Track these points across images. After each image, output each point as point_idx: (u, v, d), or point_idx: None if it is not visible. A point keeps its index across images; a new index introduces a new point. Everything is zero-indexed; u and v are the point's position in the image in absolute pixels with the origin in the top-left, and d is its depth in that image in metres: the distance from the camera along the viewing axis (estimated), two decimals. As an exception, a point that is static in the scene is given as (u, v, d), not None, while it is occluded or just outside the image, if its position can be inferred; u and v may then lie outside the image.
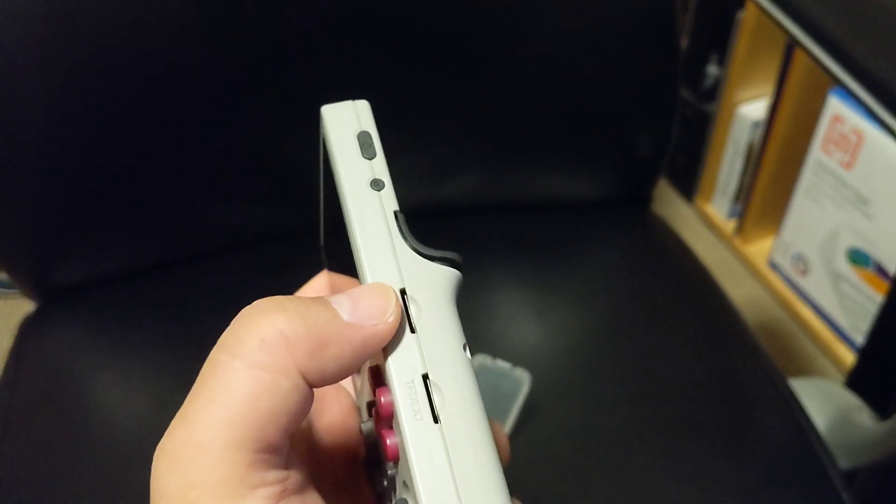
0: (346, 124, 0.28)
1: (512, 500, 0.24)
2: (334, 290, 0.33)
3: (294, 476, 0.24)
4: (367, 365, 0.27)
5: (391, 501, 0.26)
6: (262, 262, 0.69)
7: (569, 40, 0.65)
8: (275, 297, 0.25)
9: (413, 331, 0.25)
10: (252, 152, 0.65)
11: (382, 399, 0.24)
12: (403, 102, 0.66)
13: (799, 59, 1.11)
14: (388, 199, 0.27)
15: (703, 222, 1.40)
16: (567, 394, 0.61)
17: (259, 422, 0.23)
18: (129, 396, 0.62)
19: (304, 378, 0.24)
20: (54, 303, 0.68)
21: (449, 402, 0.24)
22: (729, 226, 1.35)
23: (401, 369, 0.24)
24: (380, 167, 0.27)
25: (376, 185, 0.27)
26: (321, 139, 0.29)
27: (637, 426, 0.59)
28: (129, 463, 0.57)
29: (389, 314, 0.25)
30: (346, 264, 0.30)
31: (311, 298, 0.25)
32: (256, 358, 0.23)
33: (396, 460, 0.24)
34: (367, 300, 0.25)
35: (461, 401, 0.24)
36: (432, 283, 0.26)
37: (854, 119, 1.06)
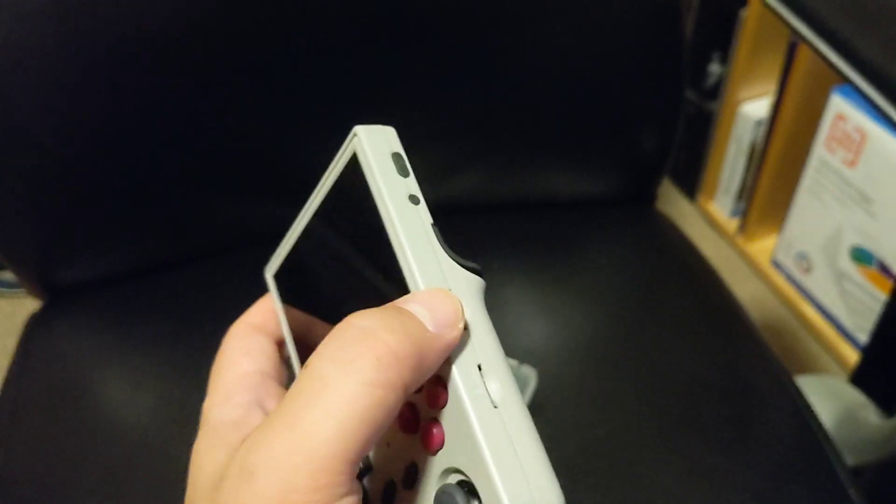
0: (381, 144, 0.30)
1: None
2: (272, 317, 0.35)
3: (358, 485, 0.26)
4: None
5: (411, 489, 0.27)
6: (267, 261, 0.68)
7: (574, 38, 0.65)
8: (371, 312, 0.26)
9: (465, 327, 0.27)
10: (257, 152, 0.65)
11: (439, 389, 0.26)
12: (408, 101, 0.66)
13: (802, 57, 1.11)
14: (425, 213, 0.29)
15: (705, 221, 1.40)
16: (573, 391, 0.61)
17: (369, 435, 0.25)
18: (135, 394, 0.62)
19: (406, 392, 0.26)
20: (60, 301, 0.68)
21: (502, 389, 0.26)
22: (732, 224, 1.35)
23: (460, 360, 0.26)
24: (413, 185, 0.30)
25: (414, 200, 0.29)
26: (344, 156, 0.31)
27: (643, 423, 0.59)
28: (134, 460, 0.57)
29: (460, 320, 0.27)
30: (298, 295, 0.33)
31: (402, 311, 0.27)
32: (371, 376, 0.25)
33: (436, 451, 0.26)
34: (443, 309, 0.27)
35: (510, 388, 0.26)
36: (470, 288, 0.28)
37: (857, 117, 1.06)
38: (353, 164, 0.30)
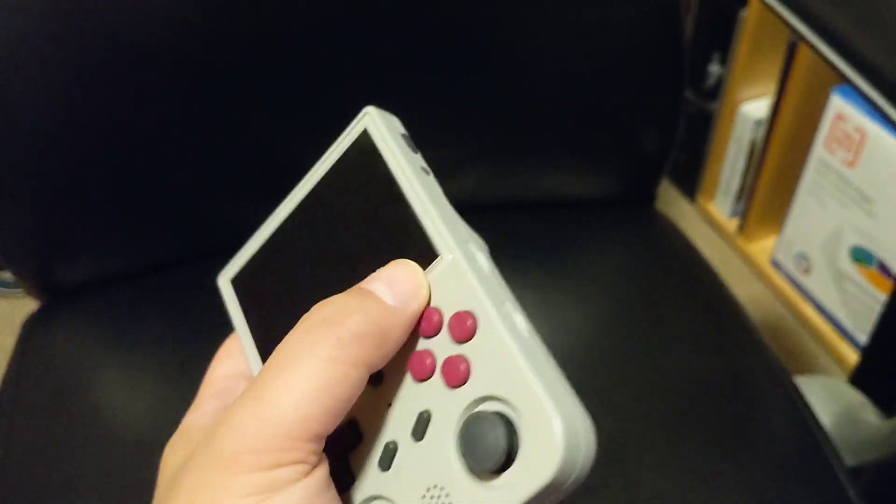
0: (390, 126, 0.33)
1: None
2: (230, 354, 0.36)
3: (323, 459, 0.28)
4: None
5: (420, 440, 0.28)
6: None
7: (573, 38, 0.65)
8: (335, 299, 0.29)
9: (485, 272, 0.29)
10: (257, 152, 0.65)
11: (467, 321, 0.28)
12: (408, 100, 0.66)
13: (801, 57, 1.11)
14: (436, 183, 0.32)
15: (705, 221, 1.40)
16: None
17: (329, 407, 0.27)
18: (133, 394, 0.62)
19: (369, 369, 0.28)
20: (58, 301, 0.68)
21: (526, 324, 0.28)
22: (731, 225, 1.35)
23: (491, 295, 0.28)
24: (421, 160, 0.32)
25: (426, 171, 0.32)
26: (351, 134, 0.33)
27: (643, 424, 0.59)
28: (133, 460, 0.57)
29: (423, 287, 0.29)
30: (270, 294, 0.34)
31: (362, 293, 0.29)
32: (332, 353, 0.27)
33: (459, 386, 0.27)
34: (404, 281, 0.29)
35: (527, 322, 0.28)
36: (481, 244, 0.31)
37: (857, 117, 1.06)
38: (364, 141, 0.33)
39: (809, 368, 1.21)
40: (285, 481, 0.26)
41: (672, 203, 1.43)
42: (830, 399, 0.97)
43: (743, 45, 1.20)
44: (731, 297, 0.68)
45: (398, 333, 0.29)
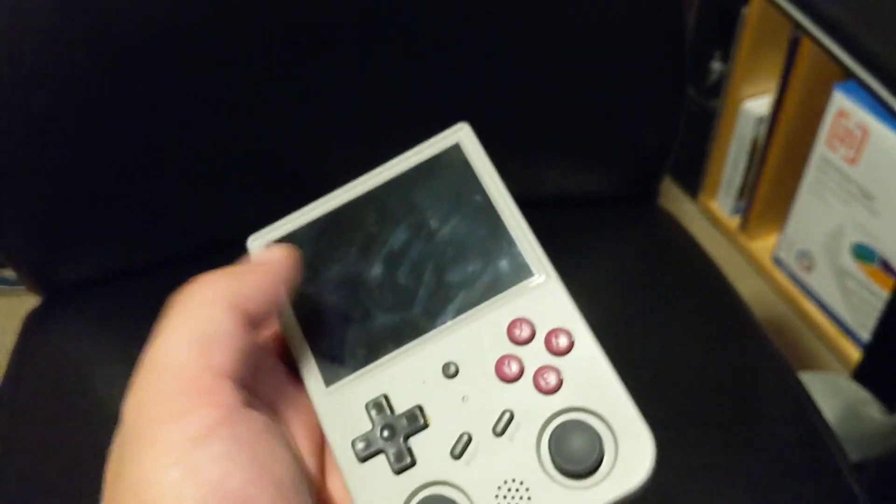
0: (479, 145, 0.35)
1: None
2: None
3: (245, 412, 0.28)
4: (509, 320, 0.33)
5: (501, 436, 0.30)
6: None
7: (575, 35, 0.65)
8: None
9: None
10: (257, 149, 0.65)
11: (563, 337, 0.31)
12: (409, 99, 0.66)
13: (803, 54, 1.11)
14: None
15: (706, 219, 1.40)
16: (576, 387, 0.60)
17: (205, 350, 0.28)
18: (136, 391, 0.61)
19: (230, 312, 0.29)
20: (59, 298, 0.68)
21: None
22: (733, 222, 1.35)
23: (581, 316, 0.32)
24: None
25: (508, 189, 0.35)
26: (441, 143, 0.35)
27: (647, 419, 0.59)
28: (135, 458, 0.56)
29: (288, 258, 0.32)
30: (314, 267, 0.35)
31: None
32: (187, 305, 0.30)
33: (549, 394, 0.31)
34: (266, 253, 0.32)
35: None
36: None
37: (859, 114, 1.06)
38: (454, 153, 0.35)
39: (811, 365, 1.21)
40: (199, 432, 0.26)
41: (673, 201, 1.43)
42: (834, 395, 0.97)
43: (745, 42, 1.19)
44: (735, 294, 0.68)
45: (249, 282, 0.30)
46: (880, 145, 1.05)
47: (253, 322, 0.30)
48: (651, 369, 0.62)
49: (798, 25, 0.57)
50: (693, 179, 1.40)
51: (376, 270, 0.34)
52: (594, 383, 0.30)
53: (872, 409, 0.94)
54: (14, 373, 0.63)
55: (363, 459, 0.31)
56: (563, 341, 0.31)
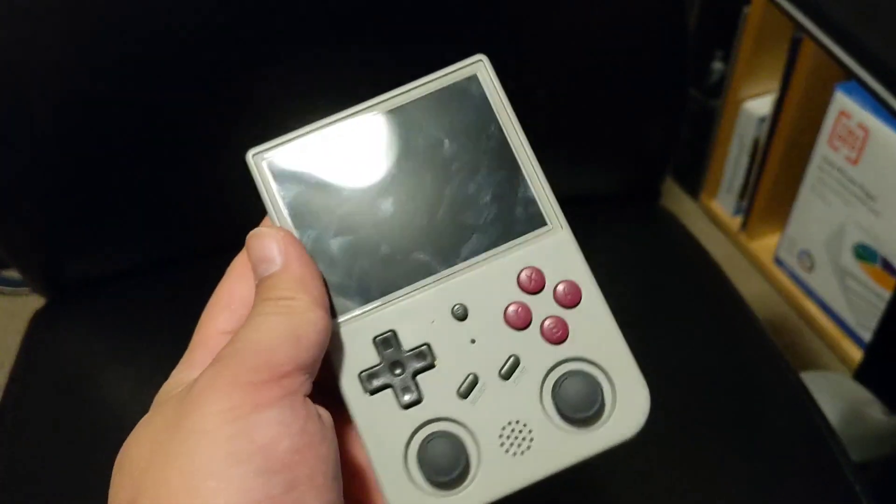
0: (496, 80, 0.35)
1: None
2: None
3: (306, 390, 0.30)
4: (518, 271, 0.33)
5: (508, 379, 0.32)
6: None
7: (577, 35, 0.65)
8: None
9: (579, 244, 0.33)
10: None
11: (574, 290, 0.32)
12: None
13: (805, 54, 1.11)
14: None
15: (708, 219, 1.40)
16: (579, 387, 0.61)
17: (296, 345, 0.30)
18: (140, 390, 0.62)
19: (319, 308, 0.31)
20: (64, 298, 0.68)
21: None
22: (734, 222, 1.35)
23: (591, 274, 0.33)
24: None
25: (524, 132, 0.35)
26: (458, 73, 0.35)
27: (648, 418, 0.59)
28: (140, 458, 0.57)
29: (281, 238, 0.33)
30: (319, 179, 0.34)
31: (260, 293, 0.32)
32: (285, 307, 0.31)
33: (557, 343, 0.32)
34: (260, 251, 0.33)
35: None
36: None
37: (861, 114, 1.06)
38: (470, 84, 0.34)
39: (812, 365, 1.21)
40: (263, 401, 0.28)
41: (675, 201, 1.43)
42: (836, 395, 0.97)
43: (746, 42, 1.19)
44: (737, 293, 0.68)
45: (294, 270, 0.32)
46: (882, 145, 1.05)
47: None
48: (653, 368, 0.62)
49: (799, 26, 0.57)
50: (694, 179, 1.41)
51: (388, 200, 0.33)
52: (599, 337, 0.32)
53: (874, 409, 0.94)
54: (20, 372, 0.63)
55: (371, 392, 0.32)
56: (571, 294, 0.32)
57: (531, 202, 0.34)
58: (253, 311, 0.31)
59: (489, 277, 0.33)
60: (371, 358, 0.32)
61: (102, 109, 0.59)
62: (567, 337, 0.32)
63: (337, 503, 0.29)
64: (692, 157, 1.38)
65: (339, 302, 0.33)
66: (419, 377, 0.32)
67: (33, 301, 0.71)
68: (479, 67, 0.35)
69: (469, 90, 0.34)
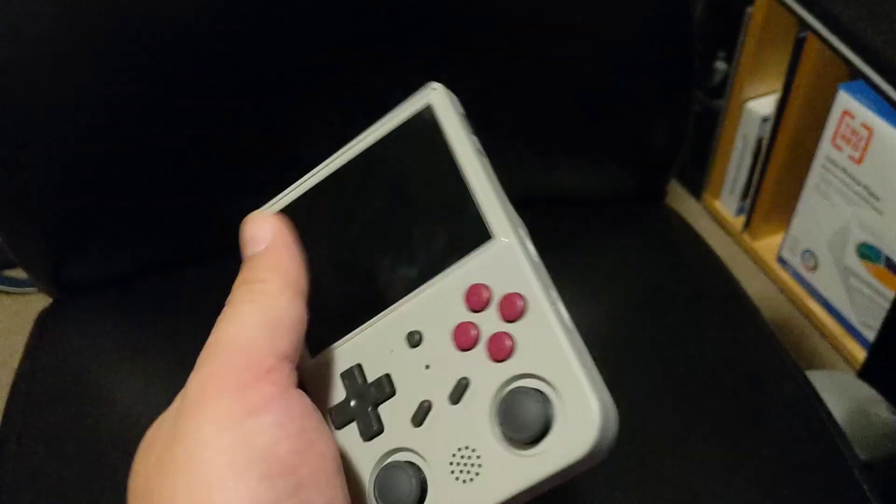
0: (454, 104, 0.34)
1: None
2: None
3: (294, 387, 0.30)
4: (466, 287, 0.32)
5: (457, 403, 0.30)
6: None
7: (583, 35, 0.65)
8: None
9: (535, 259, 0.31)
10: (272, 149, 0.65)
11: (517, 302, 0.30)
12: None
13: (808, 53, 1.11)
14: (490, 166, 0.33)
15: (711, 219, 1.40)
16: (585, 387, 0.61)
17: (271, 332, 0.30)
18: (146, 391, 0.62)
19: (291, 292, 0.31)
20: (70, 298, 0.68)
21: (566, 312, 0.30)
22: (737, 222, 1.35)
23: (540, 281, 0.30)
24: (477, 142, 0.33)
25: (481, 153, 0.33)
26: (413, 106, 0.34)
27: (654, 417, 0.59)
28: (146, 457, 0.57)
29: (265, 219, 0.34)
30: (306, 238, 0.35)
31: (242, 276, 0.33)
32: (253, 294, 0.31)
33: (503, 360, 0.30)
34: (249, 231, 0.34)
35: (566, 310, 0.31)
36: (527, 231, 0.33)
37: (864, 114, 1.06)
38: (426, 115, 0.34)
39: (816, 365, 1.21)
40: (258, 403, 0.28)
41: (677, 201, 1.43)
42: (841, 393, 0.97)
43: (749, 42, 1.20)
44: (743, 292, 0.68)
45: (281, 255, 0.33)
46: (885, 145, 1.05)
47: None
48: (660, 367, 0.62)
49: (804, 24, 0.57)
50: (697, 179, 1.41)
51: (351, 242, 0.34)
52: (544, 349, 0.29)
53: (880, 407, 0.94)
54: (26, 372, 0.63)
55: (338, 427, 0.32)
56: (516, 306, 0.30)
57: (477, 219, 0.32)
58: (230, 297, 0.32)
59: (438, 300, 0.32)
60: (339, 393, 0.33)
61: (110, 110, 0.59)
62: (512, 353, 0.30)
63: (342, 498, 0.30)
64: (695, 157, 1.38)
65: (315, 340, 0.34)
66: (380, 408, 0.32)
67: (37, 301, 0.71)
68: (433, 97, 0.34)
69: (425, 121, 0.34)
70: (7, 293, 1.30)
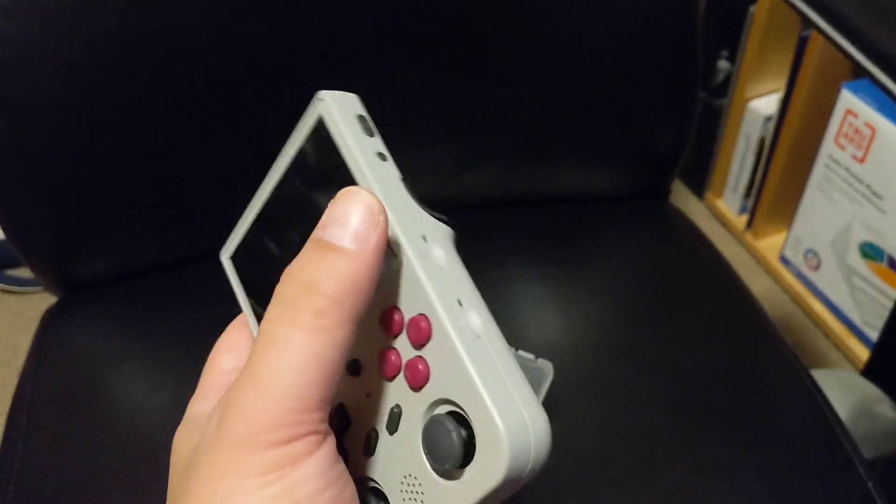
0: (346, 107, 0.31)
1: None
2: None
3: (330, 429, 0.29)
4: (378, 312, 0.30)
5: (394, 433, 0.29)
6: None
7: (589, 35, 0.65)
8: (299, 267, 0.28)
9: (441, 268, 0.29)
10: (276, 150, 0.65)
11: (422, 324, 0.28)
12: (423, 97, 0.66)
13: (811, 52, 1.11)
14: (393, 168, 0.30)
15: (713, 218, 1.40)
16: (590, 385, 0.61)
17: (324, 374, 0.27)
18: (152, 389, 0.62)
19: (354, 321, 0.28)
20: (76, 296, 0.68)
21: (482, 321, 0.28)
22: (740, 221, 1.35)
23: (442, 296, 0.28)
24: (380, 144, 0.31)
25: (381, 157, 0.30)
26: (309, 122, 0.32)
27: (660, 417, 0.59)
28: (151, 453, 0.57)
29: (377, 213, 0.28)
30: (261, 271, 0.34)
31: (324, 246, 0.28)
32: (313, 324, 0.27)
33: (421, 387, 0.28)
34: (357, 217, 0.28)
35: (489, 320, 0.28)
36: (442, 234, 0.30)
37: (867, 113, 1.06)
38: (320, 128, 0.31)
39: (819, 364, 1.21)
40: (301, 454, 0.27)
41: (680, 200, 1.43)
42: (845, 392, 0.97)
43: (752, 41, 1.20)
44: (747, 291, 0.68)
45: (371, 273, 0.28)
46: (888, 144, 1.05)
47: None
48: (664, 366, 0.62)
49: (809, 22, 0.57)
50: (700, 178, 1.41)
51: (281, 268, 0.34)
52: (452, 372, 0.27)
53: (884, 406, 0.94)
54: (31, 371, 0.63)
55: None
56: (421, 329, 0.28)
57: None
58: (281, 296, 0.28)
59: (363, 327, 0.30)
60: None
61: (116, 107, 0.59)
62: (428, 378, 0.28)
63: None
64: (698, 156, 1.38)
65: None
66: (343, 437, 0.31)
67: (40, 299, 0.71)
68: (322, 108, 0.31)
69: (322, 133, 0.31)
70: (11, 292, 1.30)
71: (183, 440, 0.32)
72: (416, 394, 0.28)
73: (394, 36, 0.62)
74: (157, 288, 0.68)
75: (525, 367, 0.60)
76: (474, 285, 0.29)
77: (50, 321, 0.67)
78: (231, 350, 0.36)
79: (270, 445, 0.27)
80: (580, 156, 0.72)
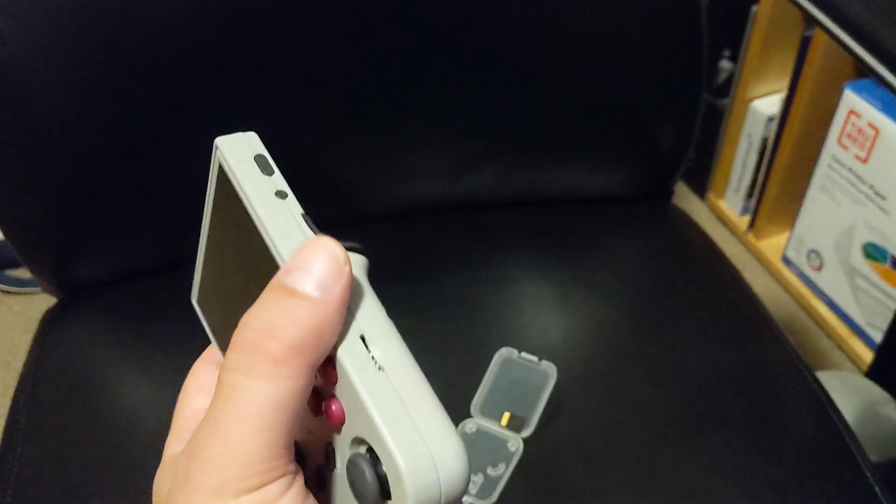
0: (243, 150, 0.31)
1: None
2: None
3: (297, 466, 0.28)
4: None
5: (333, 470, 0.29)
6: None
7: (592, 35, 0.65)
8: (257, 312, 0.27)
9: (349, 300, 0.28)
10: (275, 149, 0.65)
11: (327, 366, 0.27)
12: (425, 97, 0.66)
13: (814, 52, 1.11)
14: (294, 205, 0.30)
15: (716, 218, 1.39)
16: (594, 387, 0.60)
17: (285, 422, 0.26)
18: (151, 391, 0.62)
19: (313, 368, 0.27)
20: (75, 298, 0.68)
21: (387, 354, 0.27)
22: (742, 222, 1.35)
23: (344, 334, 0.27)
24: (280, 181, 0.31)
25: (281, 195, 0.30)
26: (213, 171, 0.32)
27: (665, 419, 0.58)
28: (151, 457, 0.56)
29: (344, 265, 0.27)
30: (221, 313, 0.34)
31: (285, 292, 0.27)
32: (271, 373, 0.26)
33: (340, 426, 0.28)
34: (321, 264, 0.27)
35: (396, 351, 0.27)
36: (353, 264, 0.29)
37: (870, 113, 1.06)
38: (222, 176, 0.32)
39: (822, 365, 1.21)
40: (274, 496, 0.27)
41: (682, 200, 1.43)
42: (850, 394, 0.97)
43: (754, 42, 1.19)
44: (751, 292, 0.68)
45: (334, 323, 0.27)
46: (891, 144, 1.05)
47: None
48: (669, 368, 0.62)
49: (812, 20, 0.57)
50: (702, 179, 1.40)
51: (241, 305, 0.32)
52: (357, 409, 0.27)
53: (890, 409, 0.94)
54: (31, 371, 0.63)
55: None
56: (328, 370, 0.28)
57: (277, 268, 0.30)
58: (239, 341, 0.27)
59: None
60: None
61: (115, 109, 0.59)
62: (345, 416, 0.28)
63: None
64: (700, 157, 1.38)
65: None
66: (304, 470, 0.31)
67: (40, 300, 0.70)
68: (219, 156, 0.31)
69: (225, 181, 0.31)
70: (11, 292, 1.30)
71: (163, 481, 0.31)
72: (339, 434, 0.28)
73: (394, 36, 0.62)
74: (157, 289, 0.67)
75: (528, 369, 0.59)
76: (384, 313, 0.28)
77: (50, 322, 0.66)
78: (201, 391, 0.35)
79: (242, 492, 0.26)
80: (583, 156, 0.72)
